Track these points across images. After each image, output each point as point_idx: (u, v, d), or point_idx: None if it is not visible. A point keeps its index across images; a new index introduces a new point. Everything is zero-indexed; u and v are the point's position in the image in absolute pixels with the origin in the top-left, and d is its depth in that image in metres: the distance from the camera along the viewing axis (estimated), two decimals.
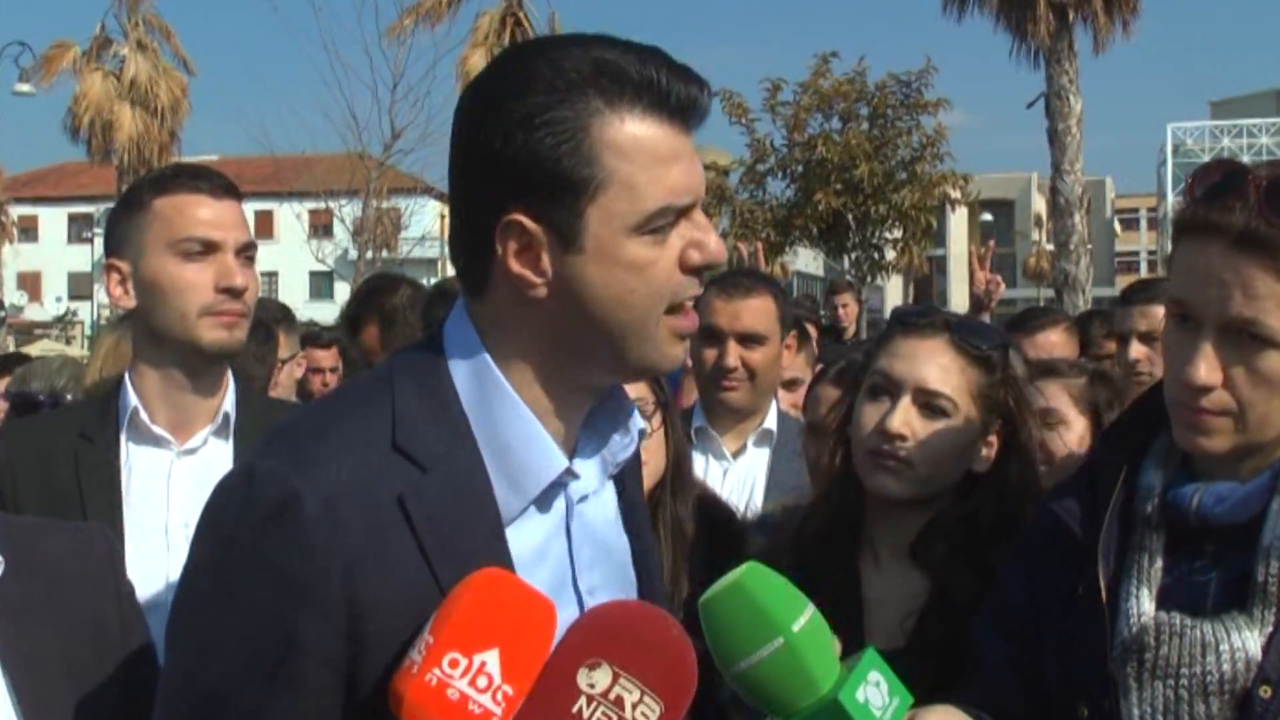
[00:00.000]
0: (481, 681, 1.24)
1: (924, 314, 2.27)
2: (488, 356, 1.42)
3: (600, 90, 1.34)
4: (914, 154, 21.43)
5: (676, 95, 1.36)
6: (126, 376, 2.49)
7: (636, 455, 1.64)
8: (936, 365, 2.17)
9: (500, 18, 29.97)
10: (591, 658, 1.28)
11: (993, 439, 2.19)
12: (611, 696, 1.27)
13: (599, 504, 1.54)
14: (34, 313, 52.63)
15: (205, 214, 2.43)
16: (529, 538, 1.43)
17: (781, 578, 1.42)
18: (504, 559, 1.38)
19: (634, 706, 1.27)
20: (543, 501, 1.45)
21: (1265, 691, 1.58)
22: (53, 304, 54.67)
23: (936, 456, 2.14)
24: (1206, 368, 1.60)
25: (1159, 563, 1.70)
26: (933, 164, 21.55)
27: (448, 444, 1.39)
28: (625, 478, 1.60)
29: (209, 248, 2.42)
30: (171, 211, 2.42)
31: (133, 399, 2.45)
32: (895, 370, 2.18)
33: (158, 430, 2.45)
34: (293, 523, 1.30)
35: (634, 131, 1.34)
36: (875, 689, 1.40)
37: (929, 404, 2.15)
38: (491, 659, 1.24)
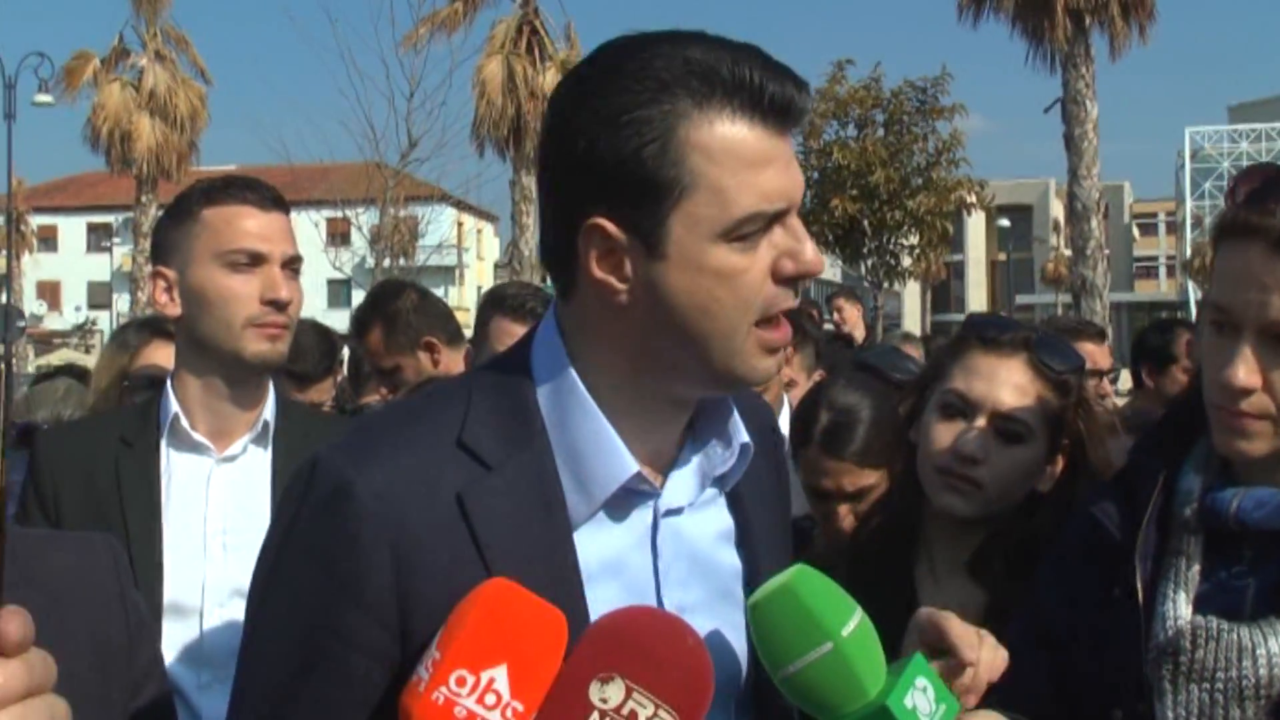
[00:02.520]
0: (490, 699, 1.21)
1: (1003, 329, 2.23)
2: (568, 360, 1.39)
3: (690, 90, 1.28)
4: (929, 160, 21.40)
5: (771, 96, 1.30)
6: (168, 383, 2.51)
7: (774, 473, 1.61)
8: (1013, 387, 2.14)
9: (516, 26, 30.03)
10: (604, 671, 1.24)
11: (1059, 459, 2.17)
12: (625, 711, 1.24)
13: (701, 519, 1.47)
14: (53, 322, 52.99)
15: (253, 226, 2.45)
16: (602, 547, 1.39)
17: (830, 581, 1.39)
18: (567, 566, 1.35)
19: None
20: (619, 510, 1.40)
21: None
22: (72, 313, 55.06)
23: (1007, 480, 2.13)
24: (1246, 370, 1.59)
25: (1196, 567, 1.69)
26: (948, 170, 21.52)
27: (517, 444, 1.36)
28: (743, 493, 1.51)
29: (256, 260, 2.44)
30: (220, 222, 2.44)
31: (174, 405, 2.46)
32: (973, 391, 2.15)
33: (197, 437, 2.46)
34: (344, 512, 1.29)
35: (724, 134, 1.28)
36: (923, 695, 1.38)
37: (1004, 428, 2.12)
38: (500, 675, 1.21)
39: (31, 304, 50.90)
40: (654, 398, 1.41)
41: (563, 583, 1.34)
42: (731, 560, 1.50)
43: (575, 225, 1.33)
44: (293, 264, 2.50)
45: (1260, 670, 1.59)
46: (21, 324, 31.26)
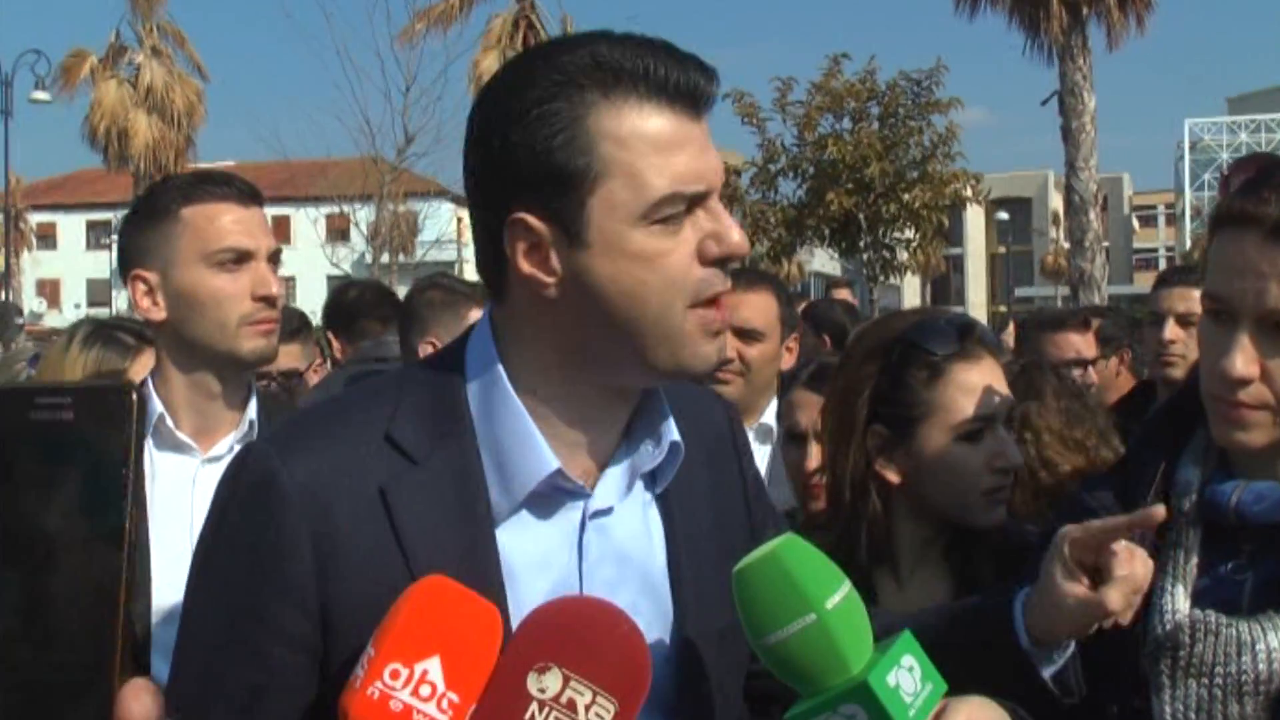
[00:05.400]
0: (424, 690, 1.21)
1: (960, 331, 2.24)
2: (498, 359, 1.41)
3: (596, 82, 1.32)
4: (925, 153, 21.38)
5: (675, 82, 1.33)
6: (150, 383, 2.49)
7: (724, 477, 1.60)
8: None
9: (512, 20, 30.05)
10: (540, 661, 1.25)
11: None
12: (563, 700, 1.24)
13: (631, 520, 1.47)
14: (53, 320, 52.92)
15: (236, 223, 2.42)
16: (528, 545, 1.39)
17: (819, 553, 1.37)
18: (488, 562, 1.36)
19: (587, 709, 1.24)
20: (545, 509, 1.41)
21: None
22: (72, 311, 54.99)
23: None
24: (1243, 360, 1.59)
25: (1194, 560, 1.69)
26: (944, 163, 21.49)
27: (443, 439, 1.38)
28: (672, 499, 1.50)
29: (243, 257, 2.41)
30: (202, 221, 2.40)
31: (158, 405, 2.44)
32: (981, 402, 2.18)
33: (182, 437, 2.44)
34: (268, 502, 1.32)
35: (633, 120, 1.32)
36: (908, 674, 1.36)
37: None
38: (433, 667, 1.21)
39: (31, 301, 50.94)
40: (588, 394, 1.42)
41: (482, 578, 1.34)
42: (661, 563, 1.50)
43: (500, 223, 1.35)
44: (275, 257, 2.49)
45: (1259, 665, 1.58)
46: (20, 321, 31.27)
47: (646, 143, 1.32)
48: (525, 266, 1.35)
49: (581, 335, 1.38)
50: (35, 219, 55.57)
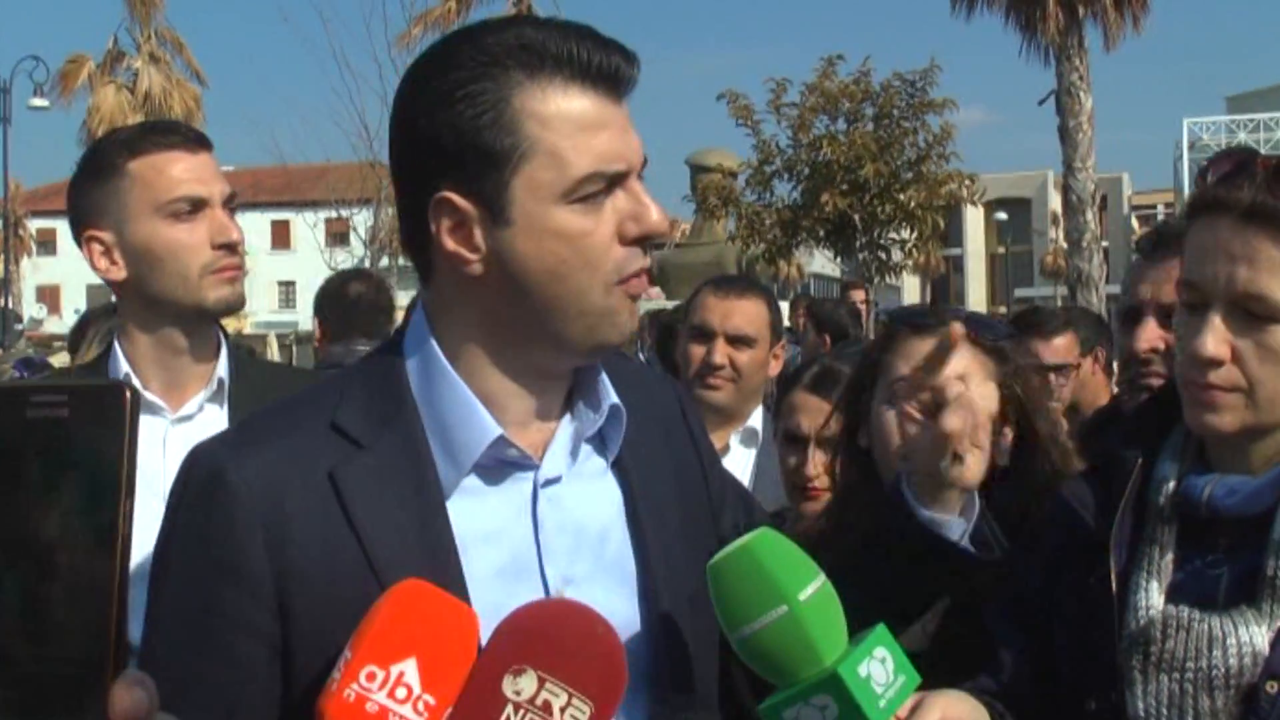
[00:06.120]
0: (401, 692, 1.23)
1: (929, 314, 2.25)
2: (433, 340, 1.44)
3: (520, 64, 1.35)
4: (920, 153, 21.33)
5: (598, 65, 1.37)
6: (115, 343, 2.42)
7: (680, 452, 1.63)
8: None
9: None
10: (515, 664, 1.26)
11: (1007, 431, 2.17)
12: (539, 702, 1.25)
13: (587, 491, 1.50)
14: (53, 325, 52.85)
15: (187, 171, 2.34)
16: (480, 517, 1.42)
17: (794, 545, 1.40)
18: (441, 536, 1.38)
19: (562, 711, 1.25)
20: (494, 479, 1.44)
21: (1272, 687, 1.57)
22: (72, 316, 54.90)
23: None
24: (1214, 341, 1.60)
25: (1170, 555, 1.69)
26: (939, 163, 21.44)
27: (387, 421, 1.41)
28: (628, 465, 1.53)
29: (198, 205, 2.34)
30: (152, 173, 2.33)
31: (124, 365, 2.38)
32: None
33: (150, 397, 2.35)
34: (218, 498, 1.35)
35: (556, 100, 1.35)
36: (880, 665, 1.38)
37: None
38: (409, 668, 1.23)
39: (31, 307, 50.91)
40: (522, 368, 1.45)
41: (436, 552, 1.37)
42: (622, 533, 1.52)
43: (425, 202, 1.38)
44: (231, 201, 2.42)
45: (1230, 660, 1.59)
46: (20, 327, 31.30)
47: (570, 123, 1.35)
48: (450, 244, 1.38)
49: (505, 312, 1.41)
50: (34, 225, 55.46)
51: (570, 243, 1.37)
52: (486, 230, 1.37)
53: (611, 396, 1.48)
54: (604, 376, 1.49)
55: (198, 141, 2.41)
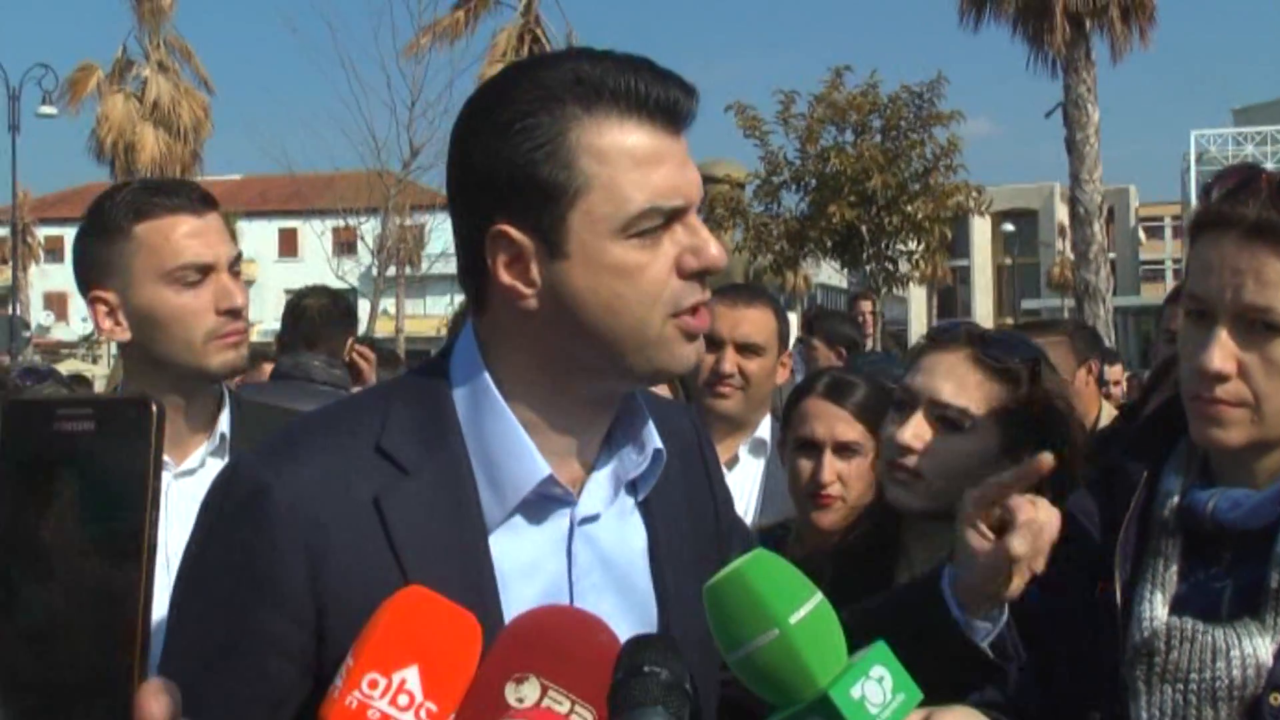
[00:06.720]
0: (402, 700, 1.22)
1: (950, 327, 2.27)
2: (484, 370, 1.43)
3: (577, 98, 1.34)
4: (927, 165, 21.36)
5: (655, 98, 1.36)
6: None
7: (694, 489, 1.62)
8: (952, 377, 2.16)
9: (517, 34, 30.11)
10: (518, 671, 1.26)
11: (1024, 453, 2.15)
12: (541, 709, 1.25)
13: (617, 529, 1.49)
14: (60, 333, 53.08)
15: (194, 237, 2.34)
16: (519, 551, 1.41)
17: (789, 567, 1.38)
18: (483, 568, 1.38)
19: (565, 718, 1.25)
20: (535, 515, 1.43)
21: (1275, 699, 1.58)
22: (79, 324, 55.07)
23: (948, 469, 2.12)
24: (1220, 355, 1.61)
25: (1174, 568, 1.70)
26: (946, 175, 21.47)
27: (433, 449, 1.40)
28: (654, 505, 1.53)
29: (203, 271, 2.34)
30: (158, 239, 2.32)
31: None
32: (914, 383, 2.19)
33: None
34: (259, 514, 1.33)
35: (613, 135, 1.34)
36: (877, 684, 1.36)
37: (940, 415, 2.14)
38: (411, 676, 1.22)
39: (39, 315, 51.06)
40: (571, 402, 1.43)
41: (478, 585, 1.36)
42: (644, 572, 1.52)
43: (481, 235, 1.37)
44: (235, 265, 2.42)
45: (1234, 671, 1.59)
46: (27, 334, 31.38)
47: (626, 157, 1.35)
48: (505, 278, 1.37)
49: (561, 345, 1.40)
50: (42, 232, 55.63)
51: (627, 278, 1.36)
52: (543, 264, 1.36)
53: (656, 441, 1.47)
54: (648, 415, 1.48)
55: (203, 202, 2.40)
